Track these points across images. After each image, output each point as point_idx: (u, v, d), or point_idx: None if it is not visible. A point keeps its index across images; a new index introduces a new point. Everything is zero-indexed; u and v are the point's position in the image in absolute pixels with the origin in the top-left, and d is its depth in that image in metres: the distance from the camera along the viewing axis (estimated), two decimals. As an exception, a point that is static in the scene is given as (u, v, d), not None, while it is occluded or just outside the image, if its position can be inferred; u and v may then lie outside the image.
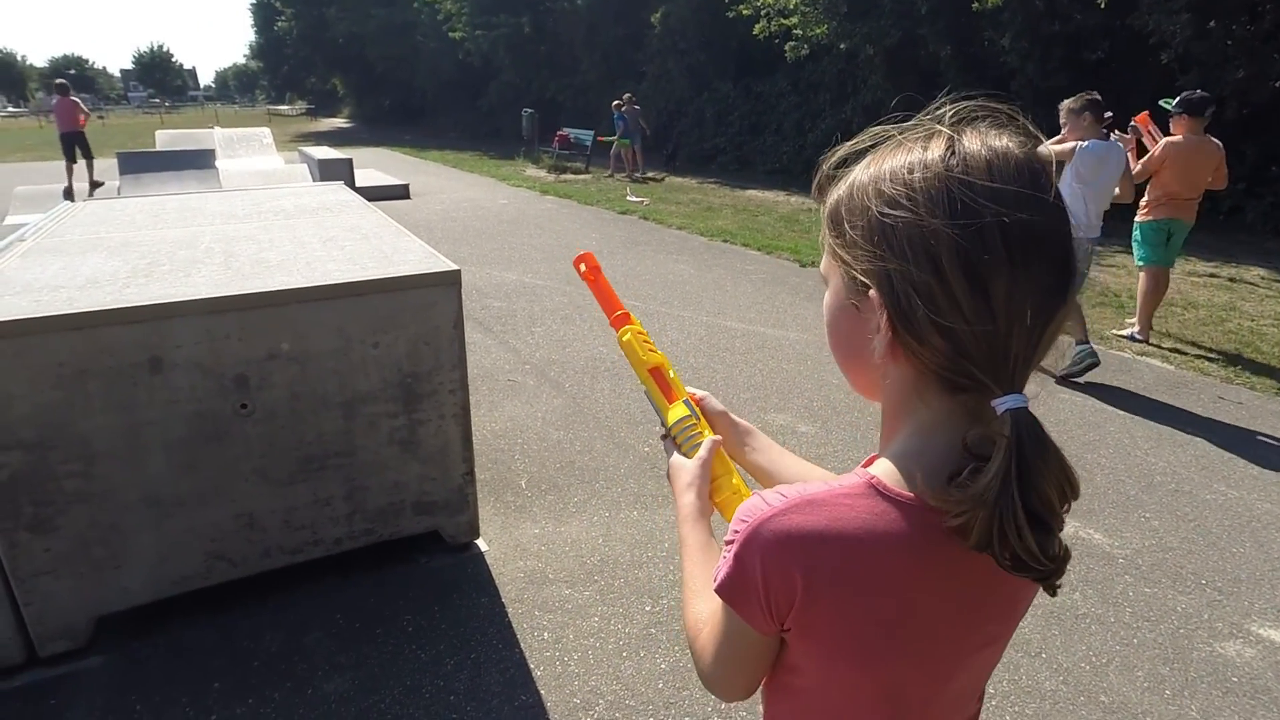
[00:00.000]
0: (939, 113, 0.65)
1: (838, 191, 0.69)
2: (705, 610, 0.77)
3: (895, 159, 0.64)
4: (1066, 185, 4.34)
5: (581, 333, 5.58)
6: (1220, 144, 5.05)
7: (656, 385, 1.02)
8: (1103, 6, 8.93)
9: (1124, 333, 5.48)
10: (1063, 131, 4.56)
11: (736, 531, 0.66)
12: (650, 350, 1.04)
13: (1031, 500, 0.58)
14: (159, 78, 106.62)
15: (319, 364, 2.47)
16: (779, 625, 0.67)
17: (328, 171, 12.38)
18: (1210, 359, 5.04)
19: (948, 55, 12.14)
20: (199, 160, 12.98)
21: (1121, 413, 4.20)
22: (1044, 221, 0.59)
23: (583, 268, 1.09)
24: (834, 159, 0.70)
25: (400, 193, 12.91)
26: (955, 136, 0.62)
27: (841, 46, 12.64)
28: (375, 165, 17.66)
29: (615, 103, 15.81)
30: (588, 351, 5.18)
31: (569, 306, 6.22)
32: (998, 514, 0.58)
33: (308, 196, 4.41)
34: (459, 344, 2.72)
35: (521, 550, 2.97)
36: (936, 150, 0.61)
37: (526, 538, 3.06)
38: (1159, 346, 5.29)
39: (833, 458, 3.71)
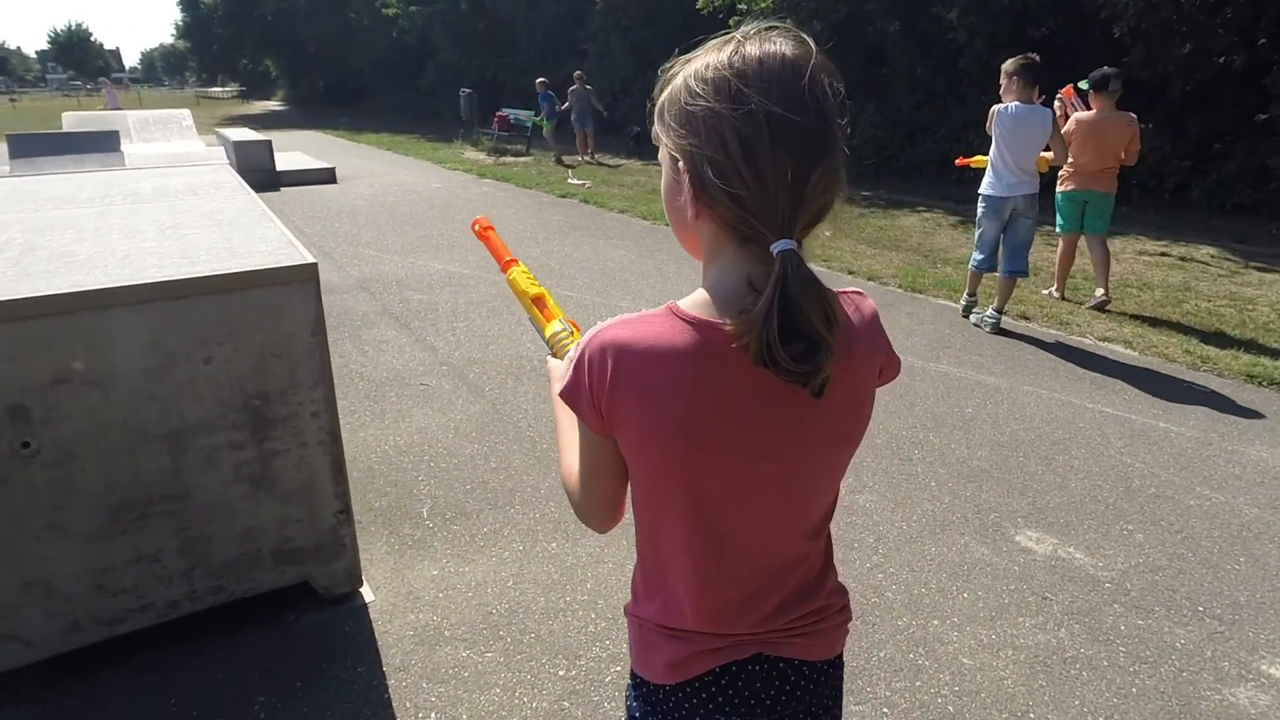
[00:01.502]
0: (743, 28, 0.79)
1: (664, 92, 0.82)
2: (571, 450, 0.93)
3: (700, 60, 0.79)
4: (993, 146, 4.83)
5: (508, 327, 5.06)
6: (1134, 118, 5.24)
7: (537, 310, 1.17)
8: (1051, -22, 8.68)
9: (1090, 304, 5.59)
10: (1000, 93, 4.78)
11: (577, 347, 0.83)
12: (533, 284, 1.20)
13: (796, 320, 0.71)
14: (78, 58, 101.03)
15: (129, 387, 1.93)
16: (601, 416, 0.81)
17: (245, 155, 11.54)
18: (1172, 343, 4.78)
19: (895, 31, 11.84)
20: (102, 143, 11.94)
21: (1090, 406, 3.88)
22: (797, 106, 0.74)
23: (476, 228, 1.30)
24: (668, 67, 0.83)
25: (326, 177, 12.11)
26: (741, 42, 0.77)
27: (788, 21, 12.20)
28: (304, 148, 16.68)
29: (540, 80, 15.14)
30: (513, 350, 4.67)
31: (497, 298, 5.69)
32: (764, 331, 0.71)
33: (177, 178, 3.79)
34: (321, 354, 2.20)
35: (415, 599, 2.48)
36: (726, 53, 0.77)
37: (422, 582, 2.56)
38: (1119, 330, 5.02)
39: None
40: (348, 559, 2.38)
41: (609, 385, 0.78)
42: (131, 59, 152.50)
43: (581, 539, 2.78)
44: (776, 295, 0.71)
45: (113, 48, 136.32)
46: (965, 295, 5.33)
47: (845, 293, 0.87)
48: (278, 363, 2.12)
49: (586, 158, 14.62)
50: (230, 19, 42.00)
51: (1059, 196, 5.48)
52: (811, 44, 0.78)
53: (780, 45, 0.76)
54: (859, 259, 7.04)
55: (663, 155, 0.83)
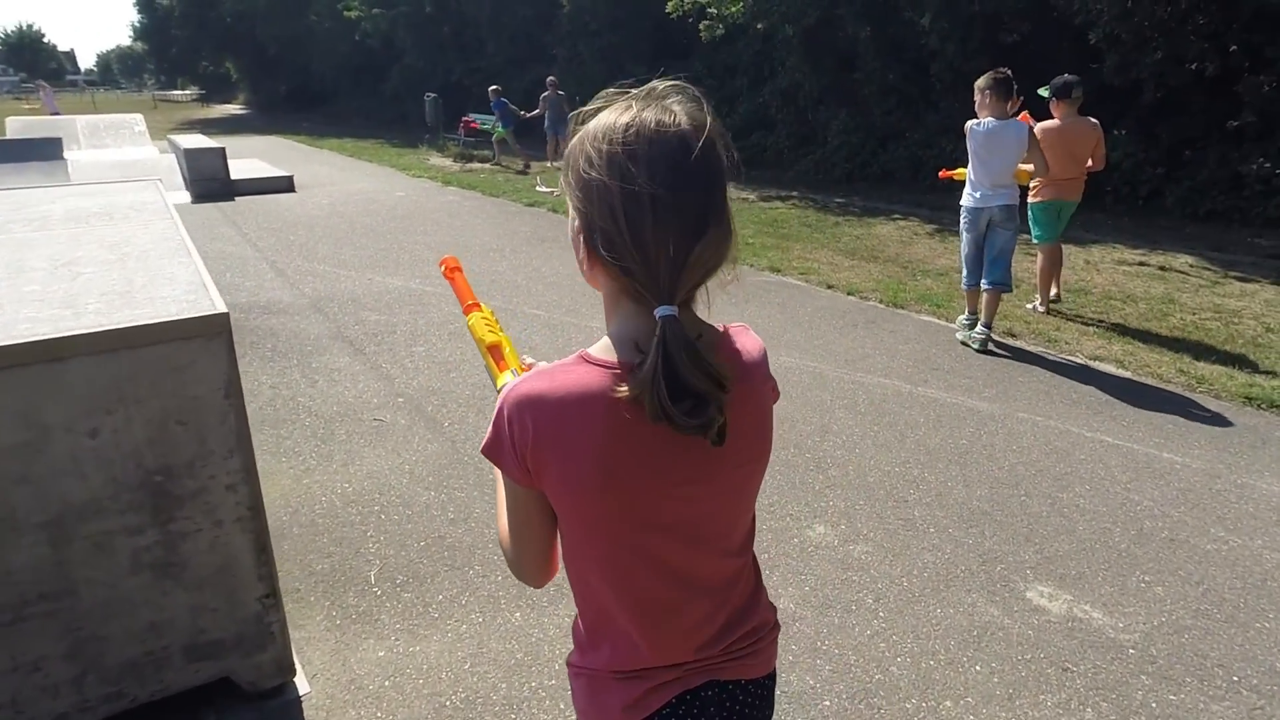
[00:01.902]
0: (646, 86, 0.85)
1: (572, 140, 0.86)
2: (503, 509, 0.94)
3: (600, 122, 0.82)
4: (970, 160, 4.78)
5: (470, 352, 4.74)
6: (1096, 123, 5.22)
7: (493, 359, 1.16)
8: (1026, -17, 8.58)
9: (1034, 307, 5.65)
10: (974, 108, 4.76)
11: (496, 405, 0.86)
12: (492, 331, 1.19)
13: (681, 380, 0.76)
14: (29, 60, 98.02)
15: (-7, 469, 1.59)
16: (526, 471, 0.84)
17: (197, 163, 11.03)
18: (1164, 361, 4.61)
19: (867, 36, 11.71)
20: (43, 150, 11.34)
21: (1089, 434, 3.68)
22: (683, 183, 0.78)
23: (443, 269, 1.32)
24: (579, 115, 0.86)
25: (284, 185, 11.64)
26: (639, 110, 0.81)
27: (759, 26, 12.03)
28: (265, 155, 16.14)
29: (493, 89, 14.81)
30: (475, 378, 4.35)
31: (458, 319, 5.32)
32: (654, 393, 0.76)
33: (97, 198, 3.42)
34: (236, 418, 1.89)
35: (357, 689, 2.16)
36: (623, 121, 0.80)
37: (367, 666, 2.24)
38: (1109, 348, 4.85)
39: (762, 497, 3.04)
40: (276, 648, 2.06)
41: (531, 438, 0.82)
42: (87, 61, 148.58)
43: (549, 607, 2.48)
44: (659, 359, 0.76)
45: (67, 49, 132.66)
46: (966, 314, 5.06)
47: (733, 329, 0.94)
48: (183, 431, 1.79)
49: (556, 164, 14.29)
50: (187, 20, 40.88)
51: (1035, 207, 5.39)
52: (707, 111, 0.83)
53: (674, 116, 0.81)
54: (837, 271, 6.82)
55: (569, 204, 0.86)
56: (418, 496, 3.15)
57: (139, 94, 76.85)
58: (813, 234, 8.59)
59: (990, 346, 4.83)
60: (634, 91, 0.84)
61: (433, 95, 18.84)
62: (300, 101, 36.59)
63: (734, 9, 12.02)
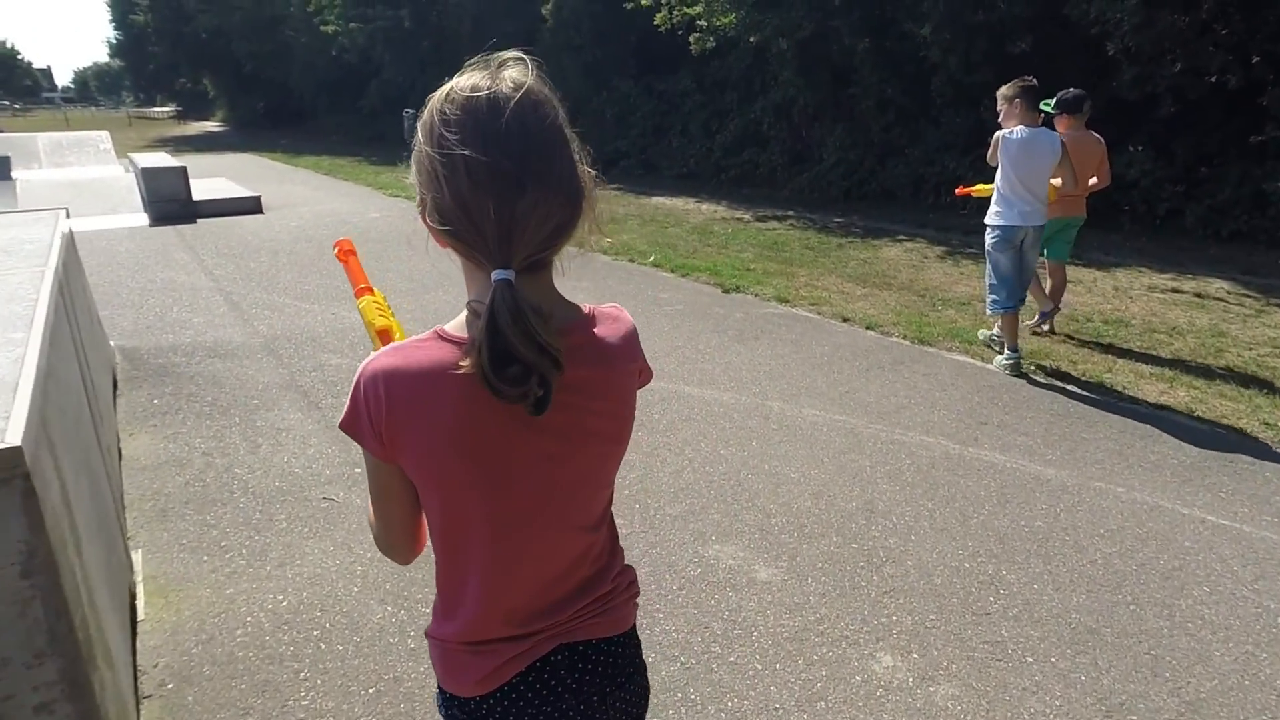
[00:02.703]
0: (488, 57, 0.85)
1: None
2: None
3: (436, 94, 0.85)
4: (1001, 174, 4.48)
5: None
6: (1101, 139, 5.05)
7: (381, 343, 1.09)
8: (1040, -9, 8.11)
9: (1032, 326, 5.39)
10: (1000, 119, 4.52)
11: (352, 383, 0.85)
12: (382, 316, 1.17)
13: (506, 347, 0.76)
14: (4, 77, 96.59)
15: None
16: (383, 444, 0.84)
17: (155, 182, 10.32)
18: (1239, 410, 4.04)
19: (864, 49, 11.23)
20: (-11, 170, 10.58)
21: (1185, 511, 3.07)
22: (491, 146, 0.78)
23: (337, 250, 1.36)
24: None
25: (250, 206, 10.93)
26: (463, 78, 0.83)
27: (751, 39, 11.53)
28: (237, 173, 15.43)
29: (408, 111, 14.00)
30: (449, 439, 3.70)
31: (432, 363, 4.70)
32: (478, 358, 0.77)
33: (-28, 234, 2.76)
34: (48, 605, 1.22)
35: None
36: (442, 92, 0.83)
37: None
38: (1172, 391, 4.27)
39: (807, 610, 2.40)
40: None
41: (385, 412, 0.82)
42: (65, 78, 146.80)
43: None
44: (485, 325, 0.77)
45: (43, 66, 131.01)
46: (1007, 348, 4.65)
47: (600, 311, 0.92)
48: (-45, 632, 1.13)
49: None
50: (163, 36, 40.10)
51: (1046, 224, 4.95)
52: (530, 74, 0.83)
53: (495, 80, 0.81)
54: (850, 301, 6.23)
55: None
56: (370, 614, 2.48)
57: (115, 111, 75.65)
58: (817, 258, 8.01)
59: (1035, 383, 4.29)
60: (471, 64, 0.84)
61: (411, 111, 18.03)
62: (278, 118, 35.86)
63: (726, 21, 11.51)
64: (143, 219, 10.11)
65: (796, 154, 13.38)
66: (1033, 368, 4.68)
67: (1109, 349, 5.03)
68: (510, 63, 0.84)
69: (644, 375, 0.97)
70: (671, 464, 3.46)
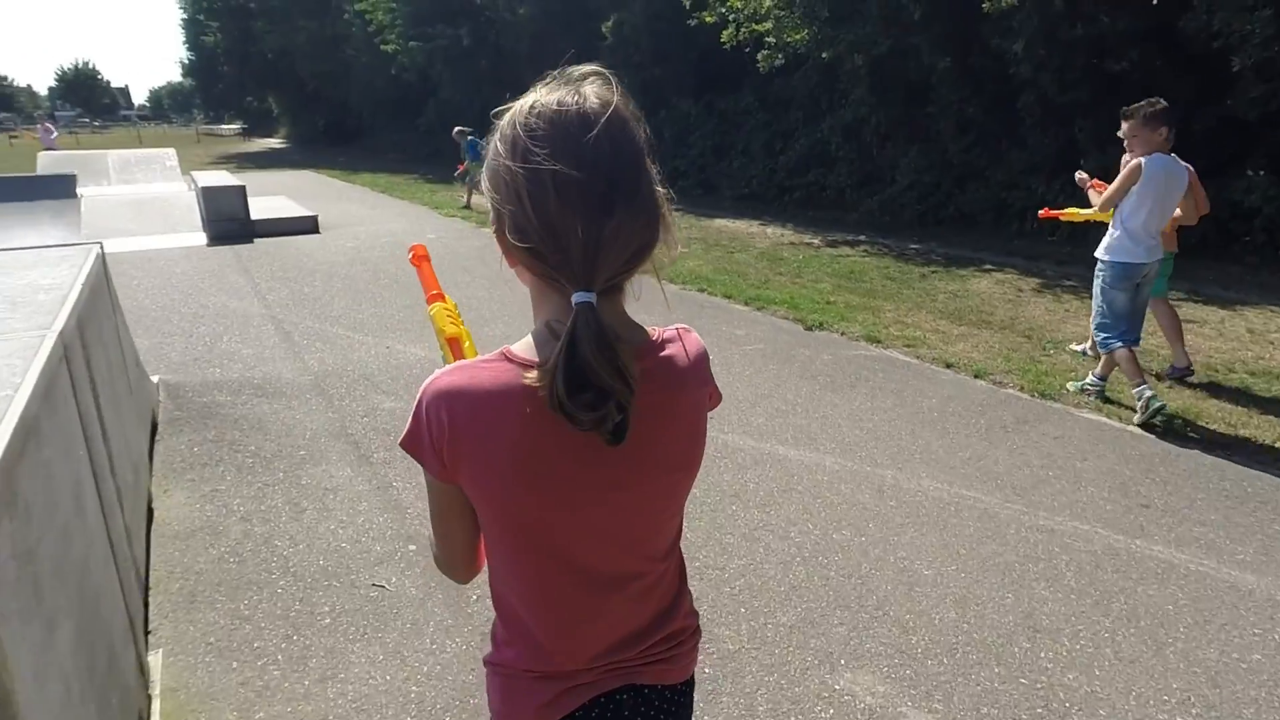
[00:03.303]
0: (565, 73, 0.82)
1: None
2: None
3: (511, 108, 0.82)
4: (1134, 205, 4.04)
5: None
6: (1189, 167, 4.34)
7: (451, 352, 1.14)
8: (1154, 2, 7.41)
9: (1077, 347, 5.34)
10: (1126, 143, 4.16)
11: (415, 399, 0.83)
12: (453, 323, 1.17)
13: (584, 371, 0.73)
14: (85, 96, 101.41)
15: None
16: (444, 464, 0.82)
17: (214, 201, 10.24)
18: None
19: (945, 67, 10.59)
20: (55, 188, 10.64)
21: None
22: (582, 162, 0.75)
23: (411, 255, 1.34)
24: (499, 110, 0.84)
25: (307, 226, 10.78)
26: (541, 94, 0.80)
27: (824, 55, 10.98)
28: (295, 191, 15.47)
29: (459, 129, 13.56)
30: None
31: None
32: (553, 382, 0.73)
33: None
34: None
35: None
36: (525, 105, 0.80)
37: None
38: (1365, 470, 3.57)
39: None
40: None
41: (446, 432, 0.80)
42: (141, 96, 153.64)
43: None
44: (566, 344, 0.74)
45: (121, 85, 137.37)
46: (1095, 376, 4.48)
47: (669, 331, 0.89)
48: None
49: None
50: (231, 56, 41.33)
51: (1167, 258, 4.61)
52: (615, 92, 0.80)
53: (581, 95, 0.79)
54: (948, 342, 5.61)
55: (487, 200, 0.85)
56: (426, 758, 2.00)
57: (186, 128, 78.53)
58: (900, 289, 7.40)
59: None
60: (549, 79, 0.82)
61: (464, 129, 18.12)
62: (338, 135, 36.52)
63: (796, 37, 11.00)
64: (201, 238, 10.02)
65: (866, 175, 12.76)
66: (1178, 422, 4.03)
67: (1264, 405, 4.33)
68: (591, 78, 0.82)
69: (714, 398, 0.95)
70: (778, 553, 2.93)
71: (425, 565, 2.84)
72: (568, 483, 0.81)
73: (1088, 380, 4.52)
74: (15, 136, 53.22)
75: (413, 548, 2.96)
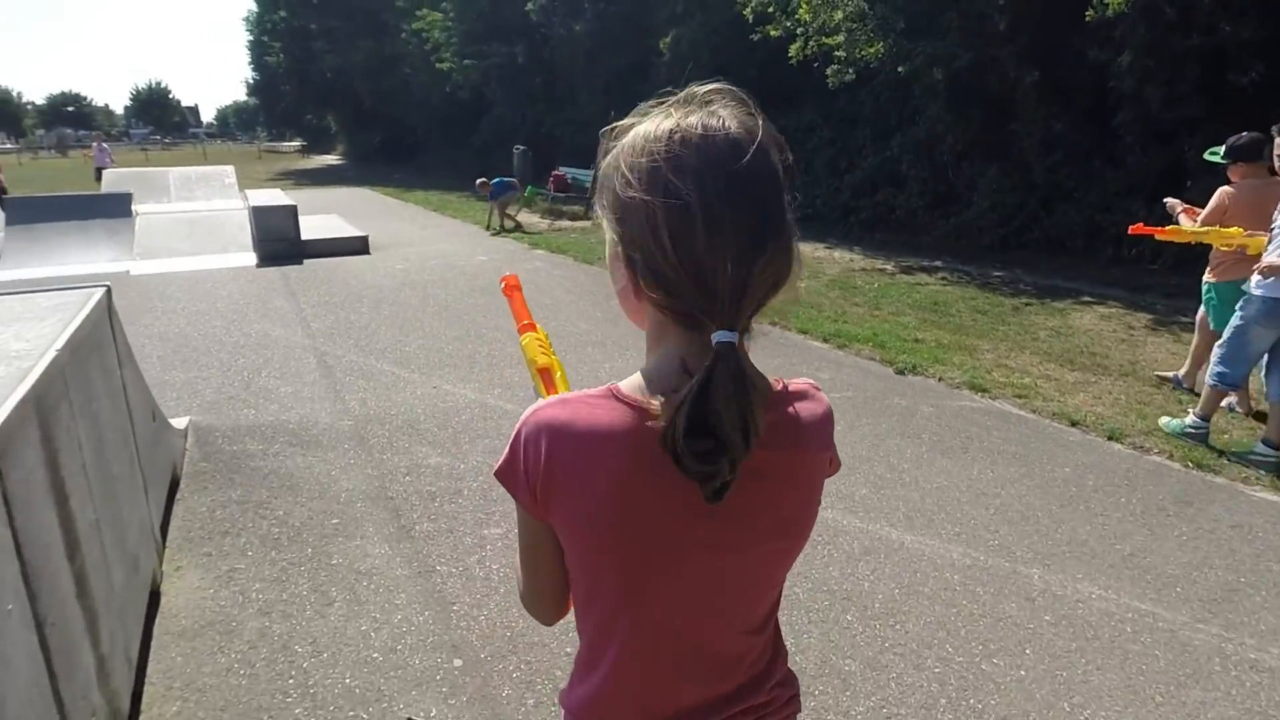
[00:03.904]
0: (685, 92, 0.75)
1: (605, 158, 0.77)
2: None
3: (636, 134, 0.74)
4: None
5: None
6: None
7: (543, 383, 1.09)
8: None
9: (1167, 374, 5.10)
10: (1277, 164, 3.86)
11: (514, 429, 0.77)
12: (544, 354, 1.12)
13: (708, 417, 0.67)
14: (157, 114, 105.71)
15: None
16: (536, 501, 0.76)
17: (264, 221, 10.04)
18: None
19: (1032, 81, 9.82)
20: (112, 207, 10.57)
21: None
22: (736, 195, 0.69)
23: (503, 285, 1.32)
24: (612, 131, 0.78)
25: (357, 246, 10.51)
26: (681, 116, 0.72)
27: (899, 70, 10.32)
28: (348, 208, 15.37)
29: (480, 181, 13.21)
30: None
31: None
32: (674, 420, 0.68)
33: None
34: None
35: None
36: (663, 129, 0.72)
37: None
38: None
39: None
40: None
41: (544, 468, 0.75)
42: (209, 115, 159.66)
43: None
44: (696, 387, 0.69)
45: (191, 105, 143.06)
46: (1195, 415, 4.08)
47: (795, 385, 0.83)
48: None
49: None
50: (292, 75, 42.33)
51: (1218, 287, 4.38)
52: (758, 113, 0.75)
53: (722, 119, 0.73)
54: (1064, 391, 4.89)
55: (606, 230, 0.79)
56: None
57: (250, 145, 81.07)
58: (994, 325, 6.67)
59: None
60: (671, 99, 0.76)
61: (522, 148, 17.91)
62: (393, 153, 36.96)
63: (870, 51, 10.35)
64: (251, 258, 9.81)
65: (939, 196, 11.99)
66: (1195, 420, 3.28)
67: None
68: (723, 98, 0.75)
69: (833, 465, 0.88)
70: (915, 689, 2.30)
71: (473, 692, 2.29)
72: (663, 536, 0.75)
73: (1188, 423, 4.09)
74: (88, 151, 55.49)
75: (458, 663, 2.42)
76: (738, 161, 0.70)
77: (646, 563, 0.76)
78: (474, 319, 6.80)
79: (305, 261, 9.74)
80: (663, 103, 0.76)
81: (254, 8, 45.28)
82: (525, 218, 14.73)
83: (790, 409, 0.79)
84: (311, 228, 10.79)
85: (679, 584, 0.78)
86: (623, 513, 0.74)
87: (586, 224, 13.53)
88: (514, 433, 0.77)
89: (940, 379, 5.16)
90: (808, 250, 10.85)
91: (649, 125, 0.74)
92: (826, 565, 2.92)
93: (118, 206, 10.78)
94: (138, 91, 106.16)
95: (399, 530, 3.22)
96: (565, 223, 13.72)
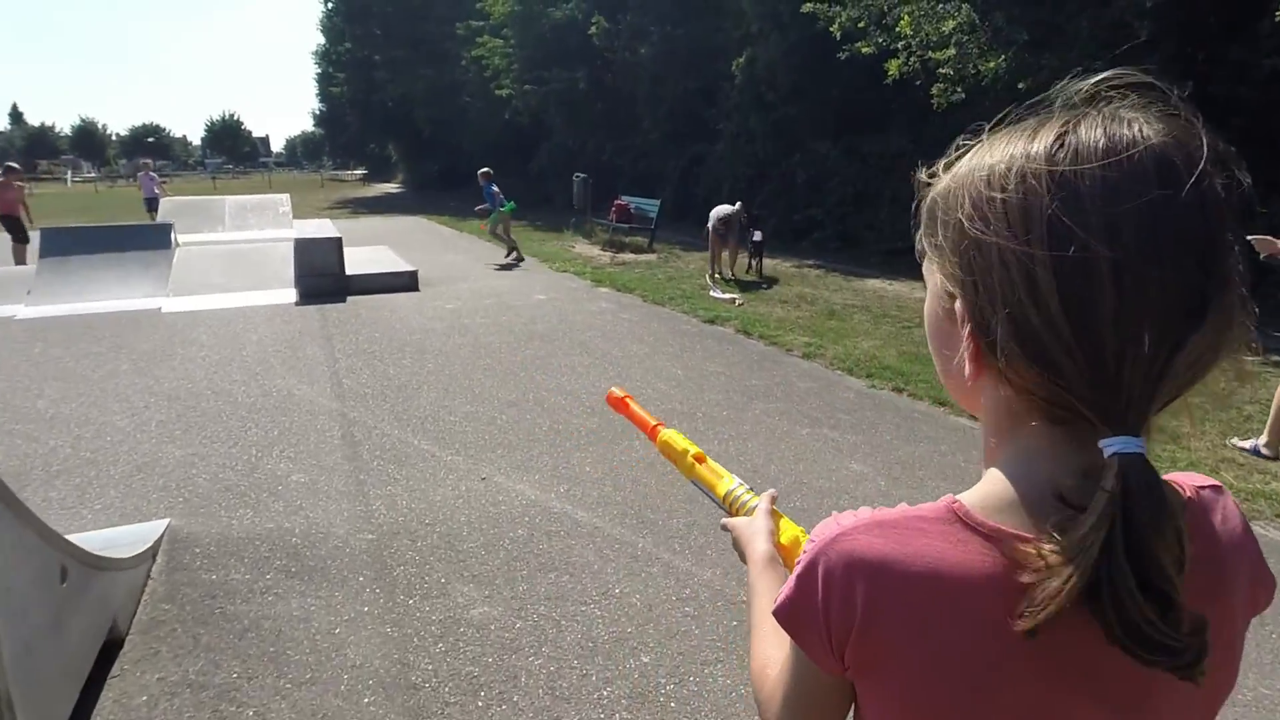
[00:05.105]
0: (1063, 87, 0.52)
1: (940, 184, 0.56)
2: (776, 654, 0.64)
3: (995, 155, 0.52)
4: None
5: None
6: None
7: (701, 467, 0.98)
8: None
9: (1245, 444, 4.17)
10: None
11: (805, 552, 0.56)
12: (689, 443, 1.01)
13: (1144, 565, 0.45)
14: (229, 145, 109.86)
15: None
16: (839, 659, 0.55)
17: (305, 255, 9.23)
18: None
19: (1180, 98, 8.39)
20: (151, 239, 9.91)
21: None
22: (1167, 247, 0.46)
23: (610, 404, 1.14)
24: (956, 146, 0.57)
25: (406, 283, 9.61)
26: (1068, 128, 0.48)
27: (1020, 85, 9.05)
28: (401, 238, 14.70)
29: (483, 171, 13.00)
30: None
31: (646, 625, 2.53)
32: (1100, 576, 0.45)
33: None
34: None
35: None
36: (1039, 146, 0.49)
37: None
38: None
39: None
40: None
41: (860, 621, 0.52)
42: (279, 145, 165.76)
43: None
44: (1117, 524, 0.45)
45: (262, 135, 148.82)
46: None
47: (1203, 493, 0.56)
48: None
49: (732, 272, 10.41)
50: (355, 105, 42.87)
51: None
52: (1195, 122, 0.48)
53: (1137, 128, 0.47)
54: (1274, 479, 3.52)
55: (928, 276, 0.59)
56: None
57: (315, 174, 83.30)
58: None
59: None
60: (1051, 102, 0.51)
61: (582, 175, 17.03)
62: (451, 180, 36.83)
63: (989, 66, 9.08)
64: (291, 294, 8.99)
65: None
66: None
67: None
68: (1126, 94, 0.49)
69: (1261, 596, 0.57)
70: None
71: None
72: (1039, 714, 0.51)
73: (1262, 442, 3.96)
74: (165, 180, 57.31)
75: None
76: (1168, 192, 0.45)
77: None
78: (531, 376, 5.72)
79: (349, 299, 8.88)
80: (1027, 120, 0.51)
81: (322, 40, 46.22)
82: (584, 249, 13.77)
83: (1206, 526, 0.54)
84: (358, 261, 9.96)
85: None
86: (987, 686, 0.50)
87: (652, 257, 12.47)
88: (805, 561, 0.55)
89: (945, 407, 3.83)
90: (903, 290, 9.56)
91: (1015, 143, 0.50)
92: None
93: (157, 238, 10.13)
94: (212, 123, 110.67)
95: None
96: (629, 256, 12.67)
